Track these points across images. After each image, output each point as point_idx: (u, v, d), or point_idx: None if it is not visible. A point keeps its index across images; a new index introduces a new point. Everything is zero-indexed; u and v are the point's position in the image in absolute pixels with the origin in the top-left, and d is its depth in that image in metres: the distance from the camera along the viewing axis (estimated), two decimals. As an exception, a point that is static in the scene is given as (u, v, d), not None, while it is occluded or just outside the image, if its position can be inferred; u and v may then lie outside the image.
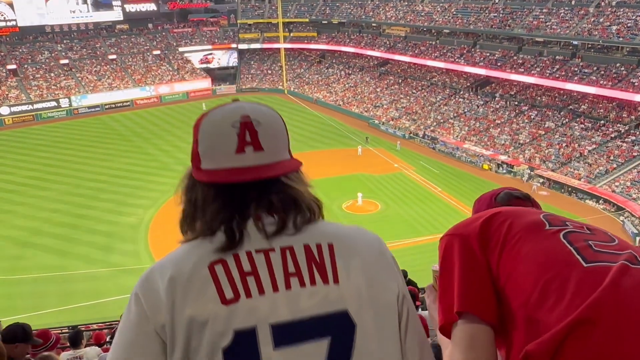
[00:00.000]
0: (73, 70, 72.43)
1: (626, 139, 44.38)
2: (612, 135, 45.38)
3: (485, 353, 1.27)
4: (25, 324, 4.99)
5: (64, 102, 66.98)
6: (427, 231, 35.20)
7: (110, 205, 39.83)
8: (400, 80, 68.66)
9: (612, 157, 42.80)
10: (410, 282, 9.19)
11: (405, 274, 9.56)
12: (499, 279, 1.30)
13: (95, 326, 15.19)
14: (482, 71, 58.98)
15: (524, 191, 2.02)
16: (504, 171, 45.24)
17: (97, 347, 7.83)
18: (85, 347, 7.63)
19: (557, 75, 52.11)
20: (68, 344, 7.81)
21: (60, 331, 12.55)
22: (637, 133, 44.66)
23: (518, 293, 1.24)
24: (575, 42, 53.01)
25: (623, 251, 1.23)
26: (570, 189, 40.57)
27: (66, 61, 73.27)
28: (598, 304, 1.08)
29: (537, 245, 1.27)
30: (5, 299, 28.04)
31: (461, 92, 61.11)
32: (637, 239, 32.29)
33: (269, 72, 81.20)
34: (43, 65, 72.07)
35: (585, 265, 1.18)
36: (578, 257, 1.20)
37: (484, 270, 1.33)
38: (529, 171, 43.87)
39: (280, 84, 76.90)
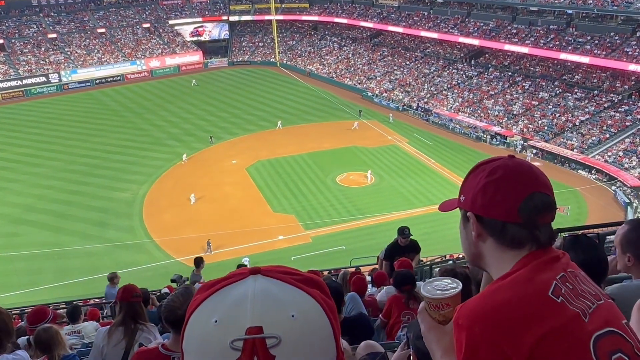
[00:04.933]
0: (62, 44, 71.29)
1: (619, 109, 44.40)
2: (605, 105, 45.38)
3: None
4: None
5: (54, 77, 66.11)
6: (421, 203, 35.40)
7: (104, 181, 39.71)
8: (393, 52, 68.09)
9: (605, 127, 42.87)
10: (414, 247, 9.12)
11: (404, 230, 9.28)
12: None
13: (92, 302, 15.27)
14: (475, 41, 58.49)
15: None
16: (497, 142, 45.27)
17: (94, 322, 7.91)
18: (82, 322, 7.70)
19: (551, 45, 51.78)
20: (66, 319, 7.88)
21: (57, 307, 12.62)
22: (630, 103, 44.67)
23: None
24: (569, 11, 52.52)
25: None
26: (563, 159, 40.74)
27: (54, 35, 72.04)
28: None
29: None
30: (0, 275, 28.16)
31: (455, 63, 60.73)
32: (629, 208, 32.64)
33: (261, 44, 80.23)
34: (31, 40, 70.87)
35: None
36: None
37: None
38: (522, 142, 43.93)
39: (273, 56, 76.07)
